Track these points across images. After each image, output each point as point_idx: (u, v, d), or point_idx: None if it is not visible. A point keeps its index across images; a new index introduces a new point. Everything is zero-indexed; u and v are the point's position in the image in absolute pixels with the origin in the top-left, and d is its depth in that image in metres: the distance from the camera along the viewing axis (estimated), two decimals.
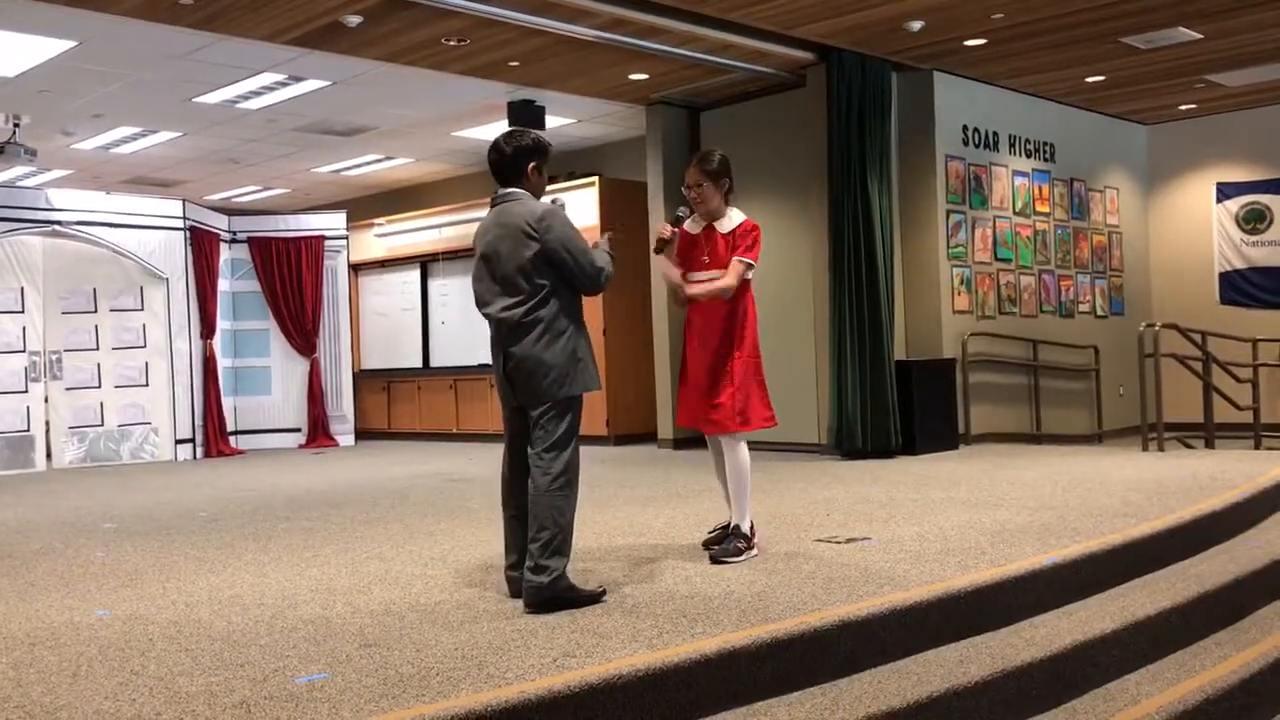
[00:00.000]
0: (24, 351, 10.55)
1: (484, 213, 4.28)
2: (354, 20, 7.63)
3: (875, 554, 4.63)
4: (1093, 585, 4.41)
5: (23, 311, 10.56)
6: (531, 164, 4.19)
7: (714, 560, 4.61)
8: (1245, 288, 11.46)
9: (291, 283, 12.33)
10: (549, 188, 4.41)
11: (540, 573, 3.89)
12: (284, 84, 9.56)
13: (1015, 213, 10.38)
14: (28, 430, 10.50)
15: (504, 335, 4.10)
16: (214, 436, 11.47)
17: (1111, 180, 11.67)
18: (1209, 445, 9.33)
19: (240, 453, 11.74)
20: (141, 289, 11.15)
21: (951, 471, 7.62)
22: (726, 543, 4.69)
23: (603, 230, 4.48)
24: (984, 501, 6.06)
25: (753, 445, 4.99)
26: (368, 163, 13.20)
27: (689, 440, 9.84)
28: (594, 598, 3.96)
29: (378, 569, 4.73)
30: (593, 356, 4.17)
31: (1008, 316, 10.20)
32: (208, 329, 11.47)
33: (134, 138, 11.45)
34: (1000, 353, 10.03)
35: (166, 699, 2.96)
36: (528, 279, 4.04)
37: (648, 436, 10.91)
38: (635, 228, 10.52)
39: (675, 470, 8.39)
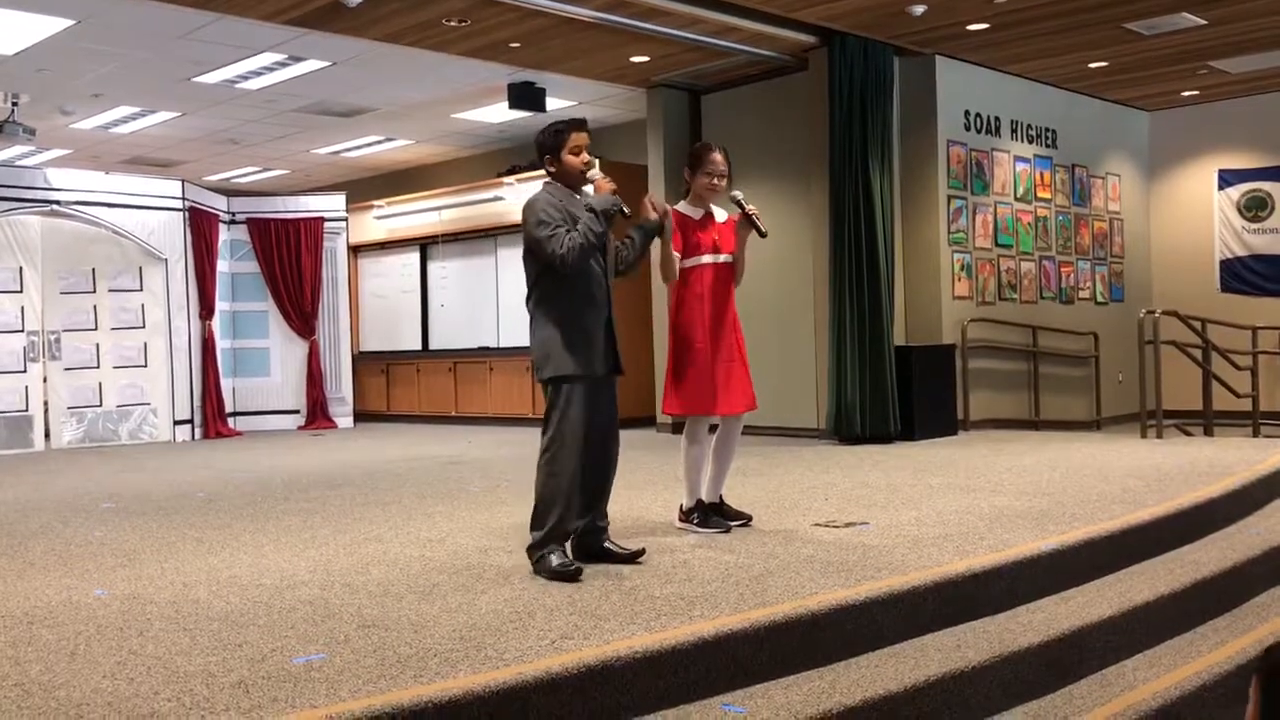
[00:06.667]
0: (23, 331, 10.54)
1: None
2: (355, 0, 7.60)
3: (873, 539, 4.64)
4: (1090, 571, 4.42)
5: (21, 291, 10.55)
6: (545, 157, 4.36)
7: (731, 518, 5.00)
8: (1246, 275, 11.45)
9: (291, 264, 12.30)
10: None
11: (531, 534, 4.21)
12: (284, 64, 9.51)
13: (1016, 198, 10.36)
14: (26, 410, 10.50)
15: None
16: (212, 417, 11.46)
17: (1113, 166, 11.64)
18: (1208, 433, 9.33)
19: (239, 434, 11.74)
20: (140, 269, 11.13)
21: (950, 457, 7.62)
22: (706, 515, 5.00)
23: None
24: (982, 487, 6.06)
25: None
26: (367, 144, 13.16)
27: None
28: (556, 575, 4.03)
29: (376, 550, 4.74)
30: (585, 340, 4.23)
31: (1008, 302, 10.18)
32: (206, 310, 11.46)
33: (133, 117, 11.40)
34: (1000, 339, 10.02)
35: (164, 678, 2.96)
36: (526, 270, 4.32)
37: (647, 420, 10.91)
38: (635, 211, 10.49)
39: (674, 454, 8.36)
